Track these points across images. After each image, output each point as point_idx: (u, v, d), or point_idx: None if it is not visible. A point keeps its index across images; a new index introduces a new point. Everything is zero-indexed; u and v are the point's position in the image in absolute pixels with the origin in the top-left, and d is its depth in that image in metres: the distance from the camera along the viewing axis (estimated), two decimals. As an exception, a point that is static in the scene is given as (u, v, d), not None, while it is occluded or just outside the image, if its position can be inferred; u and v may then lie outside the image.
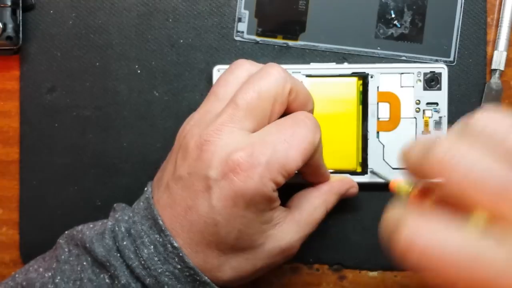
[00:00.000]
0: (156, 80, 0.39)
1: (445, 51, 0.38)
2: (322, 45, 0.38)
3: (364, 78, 0.36)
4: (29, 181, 0.39)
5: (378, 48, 0.38)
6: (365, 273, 0.39)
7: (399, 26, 0.38)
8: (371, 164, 0.37)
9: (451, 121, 0.38)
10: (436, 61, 0.38)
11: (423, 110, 0.37)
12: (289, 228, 0.32)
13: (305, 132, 0.29)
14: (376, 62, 0.38)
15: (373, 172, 0.36)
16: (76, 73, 0.39)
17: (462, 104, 0.38)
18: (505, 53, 0.37)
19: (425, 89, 0.37)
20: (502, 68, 0.37)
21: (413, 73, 0.37)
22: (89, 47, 0.39)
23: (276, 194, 0.29)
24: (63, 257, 0.31)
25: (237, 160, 0.28)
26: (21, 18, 0.38)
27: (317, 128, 0.30)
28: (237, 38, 0.38)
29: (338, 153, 0.36)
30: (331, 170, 0.36)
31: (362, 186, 0.36)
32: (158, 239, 0.29)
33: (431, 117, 0.37)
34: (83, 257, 0.31)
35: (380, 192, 0.37)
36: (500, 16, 0.38)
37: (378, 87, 0.37)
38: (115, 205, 0.33)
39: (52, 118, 0.39)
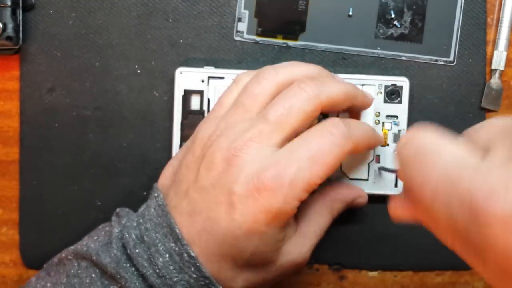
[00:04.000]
0: (156, 80, 0.39)
1: (445, 51, 0.38)
2: (322, 45, 0.38)
3: None
4: (29, 181, 0.39)
5: (378, 48, 0.38)
6: (365, 273, 0.39)
7: (399, 26, 0.38)
8: None
9: (454, 121, 0.38)
10: (436, 61, 0.38)
11: (383, 123, 0.37)
12: (298, 241, 0.32)
13: (330, 145, 0.29)
14: (376, 62, 0.38)
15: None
16: (76, 73, 0.39)
17: (462, 104, 0.38)
18: (505, 53, 0.37)
19: (385, 101, 0.37)
20: (502, 68, 0.37)
21: (374, 85, 0.36)
22: (89, 47, 0.39)
23: (296, 210, 0.29)
24: (72, 271, 0.31)
25: (263, 179, 0.28)
26: (21, 18, 0.38)
27: (345, 137, 0.29)
28: (237, 38, 0.38)
29: None
30: None
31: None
32: (173, 247, 0.29)
33: (390, 129, 0.36)
34: (92, 269, 0.30)
35: (380, 192, 0.37)
36: (500, 16, 0.38)
37: None
38: (118, 210, 0.33)
39: (52, 118, 0.39)
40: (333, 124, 0.30)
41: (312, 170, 0.28)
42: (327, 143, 0.29)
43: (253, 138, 0.29)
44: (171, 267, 0.29)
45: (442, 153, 0.21)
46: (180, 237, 0.29)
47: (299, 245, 0.32)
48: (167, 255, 0.29)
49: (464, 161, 0.21)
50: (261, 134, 0.29)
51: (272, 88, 0.31)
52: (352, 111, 0.35)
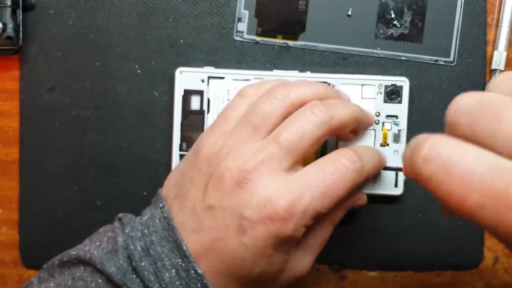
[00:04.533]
0: (156, 80, 0.39)
1: (445, 51, 0.38)
2: (322, 45, 0.38)
3: None
4: (29, 181, 0.39)
5: (378, 48, 0.38)
6: (365, 273, 0.39)
7: (399, 26, 0.38)
8: None
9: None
10: (436, 61, 0.38)
11: (383, 123, 0.37)
12: (300, 256, 0.32)
13: (343, 179, 0.29)
14: (376, 62, 0.38)
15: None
16: (76, 73, 0.39)
17: (462, 104, 0.38)
18: (505, 53, 0.37)
19: (385, 101, 0.36)
20: (502, 68, 0.37)
21: (374, 85, 0.36)
22: (89, 47, 0.39)
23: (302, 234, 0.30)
24: (77, 274, 0.31)
25: (276, 208, 0.28)
26: (21, 18, 0.38)
27: (357, 172, 0.30)
28: (237, 38, 0.39)
29: None
30: None
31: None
32: (180, 263, 0.29)
33: (390, 129, 0.37)
34: (98, 275, 0.30)
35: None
36: (500, 16, 0.38)
37: None
38: (120, 215, 0.32)
39: (52, 118, 0.39)
40: (347, 157, 0.30)
41: (323, 202, 0.29)
42: (341, 177, 0.29)
43: (264, 161, 0.29)
44: (178, 283, 0.29)
45: (474, 164, 0.20)
46: (187, 254, 0.29)
47: (301, 260, 0.32)
48: (174, 271, 0.29)
49: (501, 169, 0.19)
50: (273, 158, 0.29)
51: (283, 108, 0.31)
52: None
